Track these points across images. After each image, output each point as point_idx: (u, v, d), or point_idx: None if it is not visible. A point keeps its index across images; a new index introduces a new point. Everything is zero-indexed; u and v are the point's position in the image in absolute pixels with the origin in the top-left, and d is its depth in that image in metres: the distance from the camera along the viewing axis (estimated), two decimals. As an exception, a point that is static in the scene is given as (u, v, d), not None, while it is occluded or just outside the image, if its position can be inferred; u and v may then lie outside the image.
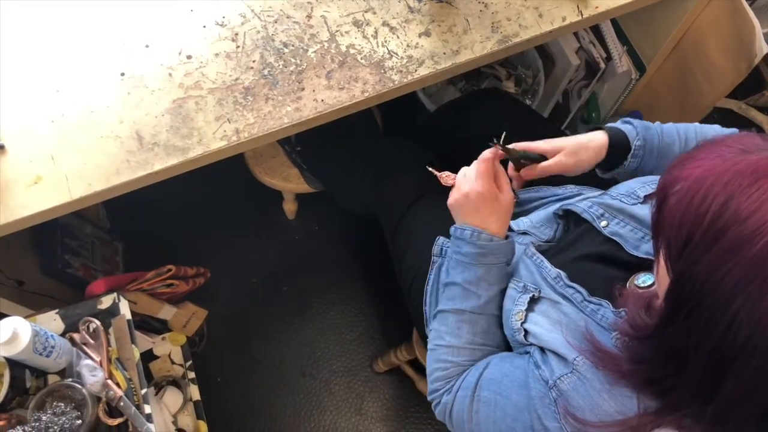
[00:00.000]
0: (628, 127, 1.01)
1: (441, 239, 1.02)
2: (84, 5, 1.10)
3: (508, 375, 0.84)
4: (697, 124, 1.04)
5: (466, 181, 0.94)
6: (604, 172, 1.05)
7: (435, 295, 1.06)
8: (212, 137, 1.02)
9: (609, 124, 1.03)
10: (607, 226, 0.88)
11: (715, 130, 1.02)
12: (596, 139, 1.00)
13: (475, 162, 0.96)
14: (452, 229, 0.96)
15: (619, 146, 0.99)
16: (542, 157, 1.02)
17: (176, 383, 1.40)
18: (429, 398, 0.96)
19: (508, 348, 0.93)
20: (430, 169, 1.02)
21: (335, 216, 2.04)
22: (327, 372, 1.86)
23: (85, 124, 1.01)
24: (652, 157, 0.99)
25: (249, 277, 1.96)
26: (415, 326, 1.29)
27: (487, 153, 0.95)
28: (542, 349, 0.81)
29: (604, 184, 1.06)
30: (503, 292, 0.94)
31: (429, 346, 0.97)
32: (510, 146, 1.00)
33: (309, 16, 1.12)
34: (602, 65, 1.60)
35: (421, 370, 1.75)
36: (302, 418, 1.81)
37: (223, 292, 1.91)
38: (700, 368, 0.57)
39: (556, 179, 1.08)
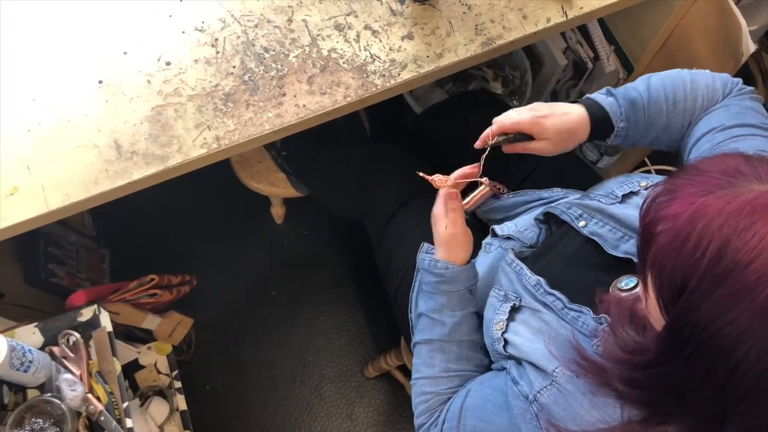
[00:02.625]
0: (611, 102, 0.94)
1: (426, 245, 1.00)
2: (60, 11, 1.08)
3: (489, 399, 0.82)
4: (687, 77, 0.96)
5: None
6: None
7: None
8: (192, 145, 1.00)
9: (591, 97, 0.96)
10: (585, 226, 0.87)
11: (704, 81, 0.96)
12: (581, 127, 0.94)
13: None
14: (419, 258, 0.97)
15: (600, 125, 0.95)
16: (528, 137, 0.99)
17: (162, 393, 1.38)
18: None
19: (489, 367, 0.92)
20: (422, 174, 1.00)
21: (324, 220, 2.02)
22: (317, 377, 1.85)
23: (62, 132, 0.99)
24: (637, 133, 0.96)
25: (237, 282, 1.94)
26: (402, 333, 1.28)
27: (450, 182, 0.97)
28: (519, 362, 0.80)
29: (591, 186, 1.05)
30: (472, 315, 0.94)
31: (411, 381, 0.97)
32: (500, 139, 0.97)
33: (290, 21, 1.10)
34: (590, 65, 1.59)
35: (411, 375, 1.73)
36: (292, 424, 1.79)
37: (211, 298, 1.89)
38: (700, 405, 0.56)
39: (541, 183, 1.07)
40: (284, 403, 1.81)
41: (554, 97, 1.76)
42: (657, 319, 0.60)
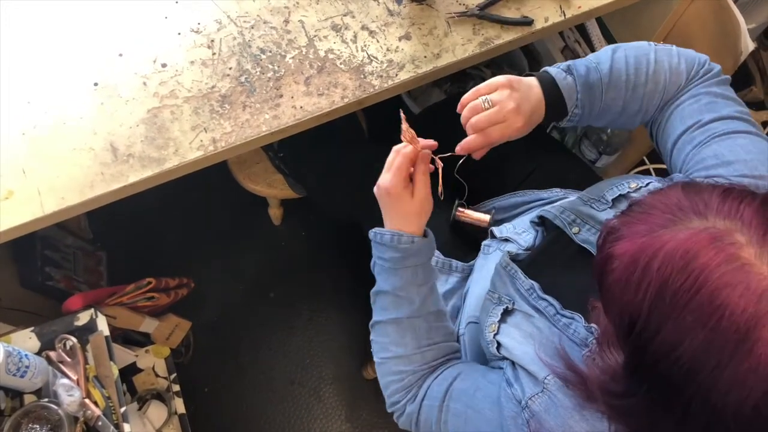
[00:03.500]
0: (568, 84, 0.88)
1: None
2: (55, 13, 1.07)
3: (480, 389, 0.82)
4: (652, 56, 0.90)
5: (383, 172, 0.87)
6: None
7: None
8: (188, 147, 0.99)
9: (549, 72, 0.89)
10: (578, 233, 0.85)
11: (668, 62, 0.90)
12: (539, 109, 0.88)
13: (393, 150, 0.88)
14: (371, 233, 0.91)
15: (555, 107, 0.89)
16: None
17: (161, 397, 1.37)
18: (390, 410, 0.93)
19: (457, 339, 0.90)
20: (402, 116, 0.89)
21: (322, 221, 2.01)
22: (316, 379, 1.84)
23: (57, 136, 0.99)
24: (591, 117, 0.91)
25: (235, 284, 1.94)
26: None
27: (402, 146, 0.86)
28: (514, 365, 0.79)
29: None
30: (434, 286, 0.91)
31: (375, 360, 0.94)
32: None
33: (286, 21, 1.09)
34: (588, 64, 1.58)
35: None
36: (291, 426, 1.79)
37: (209, 300, 1.89)
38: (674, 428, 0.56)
39: (540, 183, 1.06)
40: (283, 405, 1.81)
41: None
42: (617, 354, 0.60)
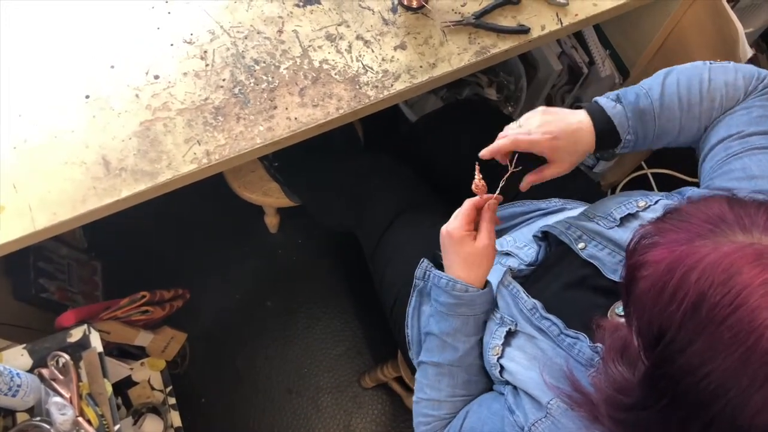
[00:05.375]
0: (618, 112, 0.87)
1: (425, 262, 0.97)
2: (45, 25, 1.06)
3: (486, 423, 0.81)
4: (706, 75, 0.88)
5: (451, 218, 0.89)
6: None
7: (417, 318, 1.02)
8: (182, 160, 0.98)
9: (599, 102, 0.89)
10: (584, 248, 0.84)
11: (724, 78, 0.88)
12: (586, 138, 0.88)
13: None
14: (432, 276, 0.91)
15: (606, 137, 0.88)
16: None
17: (156, 410, 1.36)
18: None
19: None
20: (477, 168, 0.90)
21: (319, 229, 1.99)
22: (314, 389, 1.83)
23: (48, 149, 0.97)
24: (647, 141, 0.90)
25: (232, 293, 1.92)
26: (398, 346, 1.26)
27: (472, 200, 0.88)
28: (516, 389, 0.78)
29: (590, 197, 1.03)
30: (482, 339, 0.90)
31: (414, 398, 0.94)
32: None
33: (280, 32, 1.08)
34: (585, 70, 1.58)
35: (408, 386, 1.71)
36: (289, 436, 1.77)
37: (205, 309, 1.87)
38: None
39: (539, 192, 1.05)
40: (281, 414, 1.79)
41: (549, 102, 1.74)
42: (638, 366, 0.58)
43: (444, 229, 0.88)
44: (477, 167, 0.90)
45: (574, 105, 0.81)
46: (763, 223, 0.52)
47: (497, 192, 0.89)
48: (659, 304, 0.52)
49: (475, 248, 0.86)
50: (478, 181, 0.89)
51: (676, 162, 1.98)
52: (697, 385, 0.50)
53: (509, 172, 0.89)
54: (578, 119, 0.87)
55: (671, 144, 0.92)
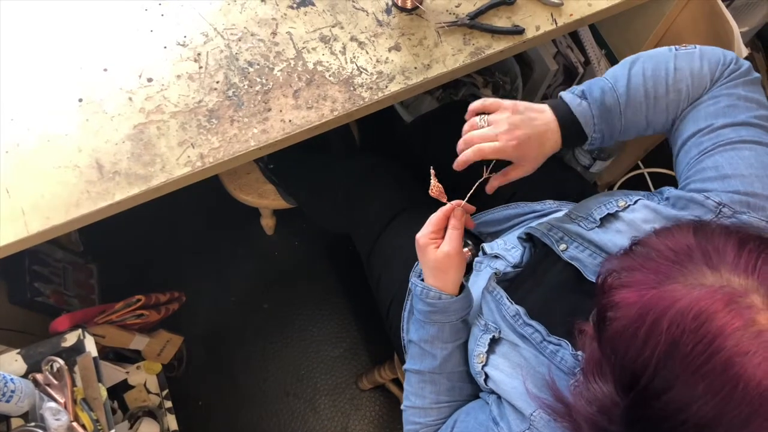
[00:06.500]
0: (583, 110, 0.85)
1: (419, 266, 0.97)
2: (37, 28, 1.05)
3: None
4: (672, 65, 0.85)
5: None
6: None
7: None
8: (176, 163, 0.97)
9: (563, 98, 0.87)
10: (566, 250, 0.83)
11: (689, 67, 0.85)
12: (551, 136, 0.86)
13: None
14: (411, 283, 0.91)
15: (573, 134, 0.87)
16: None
17: (152, 414, 1.35)
18: None
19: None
20: (432, 173, 0.91)
21: (315, 230, 1.99)
22: (311, 391, 1.82)
23: (41, 154, 0.97)
24: (615, 136, 0.88)
25: (228, 295, 1.92)
26: (395, 348, 1.25)
27: (443, 208, 0.88)
28: (500, 399, 0.77)
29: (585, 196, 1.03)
30: (464, 344, 0.89)
31: (401, 406, 0.94)
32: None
33: (274, 33, 1.07)
34: (581, 70, 1.57)
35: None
36: (287, 438, 1.77)
37: (202, 311, 1.87)
38: None
39: (534, 194, 1.04)
40: (278, 416, 1.79)
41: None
42: (608, 390, 0.58)
43: (417, 235, 0.88)
44: (432, 172, 0.90)
45: (539, 100, 0.80)
46: (732, 260, 0.52)
47: (466, 199, 0.88)
48: (632, 349, 0.52)
49: (436, 256, 0.85)
50: (433, 185, 0.89)
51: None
52: (675, 429, 0.50)
53: (482, 177, 0.89)
54: (545, 121, 0.85)
55: (641, 135, 0.91)
